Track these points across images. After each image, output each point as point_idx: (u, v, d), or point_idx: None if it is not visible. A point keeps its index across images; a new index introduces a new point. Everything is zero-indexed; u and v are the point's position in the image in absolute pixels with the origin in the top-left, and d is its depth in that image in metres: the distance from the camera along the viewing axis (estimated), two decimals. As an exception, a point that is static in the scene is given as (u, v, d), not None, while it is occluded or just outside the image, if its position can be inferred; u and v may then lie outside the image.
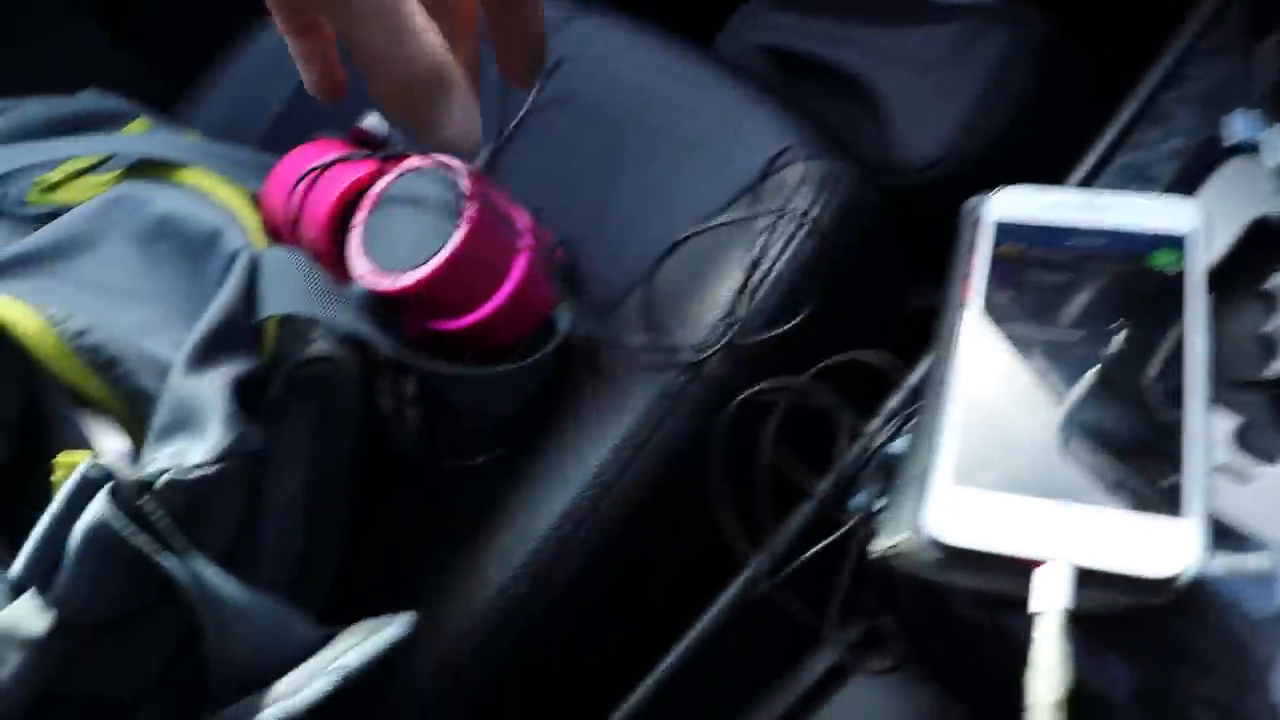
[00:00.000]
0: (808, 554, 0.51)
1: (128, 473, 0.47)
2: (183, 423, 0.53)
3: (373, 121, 0.69)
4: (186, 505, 0.50)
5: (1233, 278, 0.54)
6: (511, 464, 0.61)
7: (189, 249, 0.69)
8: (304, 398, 0.60)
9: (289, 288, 0.59)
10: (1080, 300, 0.50)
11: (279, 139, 0.78)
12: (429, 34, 0.37)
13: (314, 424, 0.60)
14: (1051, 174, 0.78)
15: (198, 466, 0.51)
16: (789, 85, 0.96)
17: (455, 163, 0.58)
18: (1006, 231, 0.53)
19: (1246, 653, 0.43)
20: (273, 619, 0.50)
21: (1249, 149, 0.56)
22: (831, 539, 0.51)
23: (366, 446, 0.62)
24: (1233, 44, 0.60)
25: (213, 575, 0.47)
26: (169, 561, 0.46)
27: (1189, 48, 0.61)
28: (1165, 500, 0.42)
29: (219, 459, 0.52)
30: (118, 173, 0.76)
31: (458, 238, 0.57)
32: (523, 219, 0.61)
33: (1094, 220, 0.52)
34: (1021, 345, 0.48)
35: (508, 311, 0.59)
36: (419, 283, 0.57)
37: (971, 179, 0.56)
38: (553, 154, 0.72)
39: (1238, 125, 0.57)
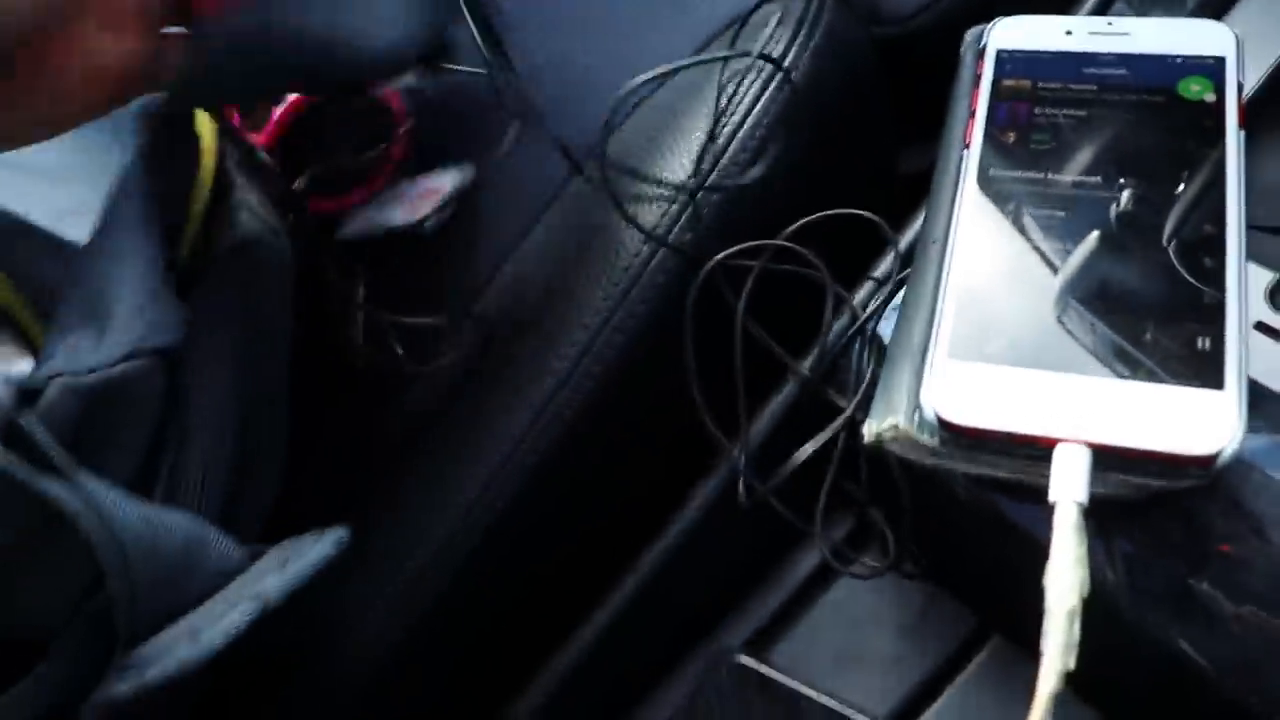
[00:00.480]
0: (796, 457, 0.45)
1: (2, 387, 0.41)
2: (85, 315, 0.47)
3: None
4: (82, 414, 0.44)
5: (1267, 113, 0.47)
6: (465, 363, 0.55)
7: (122, 122, 0.62)
8: (229, 287, 0.53)
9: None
10: (1098, 140, 0.43)
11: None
12: None
13: (242, 318, 0.54)
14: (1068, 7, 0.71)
15: (95, 368, 0.45)
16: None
17: None
18: (1013, 63, 0.46)
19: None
20: (186, 544, 0.44)
21: (1288, -39, 0.48)
22: (823, 436, 0.45)
23: (306, 349, 0.56)
24: None
25: (109, 499, 0.41)
26: (51, 487, 0.40)
27: None
28: (1199, 368, 0.36)
29: (124, 357, 0.46)
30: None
31: None
32: None
33: (1112, 46, 0.45)
34: (1031, 195, 0.42)
35: None
36: None
37: (964, 27, 0.49)
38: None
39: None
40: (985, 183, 0.42)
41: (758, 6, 0.56)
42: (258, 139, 0.60)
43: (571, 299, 0.51)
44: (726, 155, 0.51)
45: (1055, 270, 0.40)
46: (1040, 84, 0.45)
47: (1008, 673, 0.47)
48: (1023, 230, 0.41)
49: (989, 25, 0.48)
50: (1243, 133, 0.42)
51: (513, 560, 0.53)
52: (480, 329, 0.56)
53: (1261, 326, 0.42)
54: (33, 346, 0.51)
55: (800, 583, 0.51)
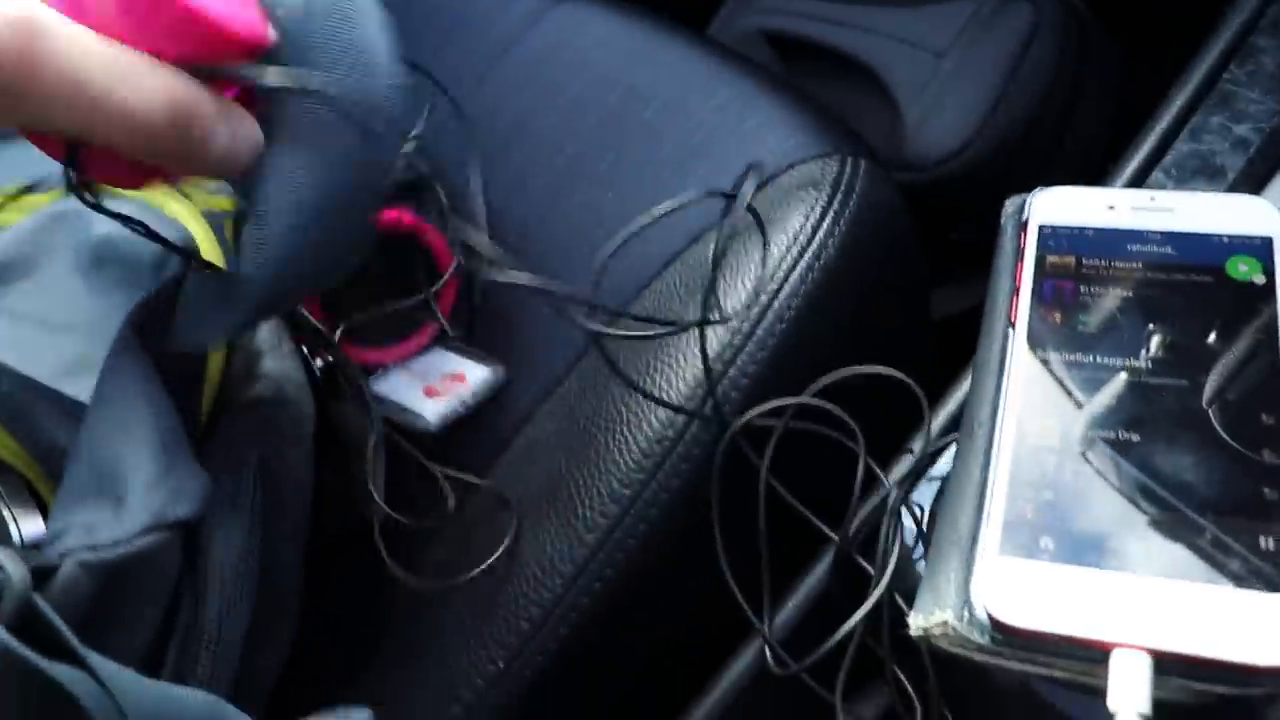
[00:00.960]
0: (830, 642, 0.43)
1: (15, 566, 0.40)
2: (97, 483, 0.45)
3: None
4: (97, 592, 0.42)
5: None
6: (487, 524, 0.53)
7: (134, 275, 0.62)
8: (246, 449, 0.52)
9: (205, 312, 0.52)
10: (1147, 321, 0.42)
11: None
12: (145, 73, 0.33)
13: (261, 474, 0.53)
14: (1083, 170, 0.71)
15: (115, 544, 0.43)
16: (791, 74, 0.88)
17: None
18: (1056, 239, 0.45)
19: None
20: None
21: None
22: (859, 615, 0.43)
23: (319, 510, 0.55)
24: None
25: (120, 680, 0.39)
26: (61, 671, 0.38)
27: (1255, 17, 0.53)
28: (1265, 571, 0.35)
29: (142, 531, 0.44)
30: (60, 191, 0.69)
31: None
32: None
33: (1157, 223, 0.45)
34: (1080, 379, 0.41)
35: None
36: None
37: (993, 174, 0.49)
38: (535, 160, 0.64)
39: (1314, 106, 0.49)
40: (1032, 363, 0.41)
41: (790, 168, 0.56)
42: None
43: (598, 469, 0.50)
44: (764, 322, 0.50)
45: (1111, 462, 0.38)
46: (1085, 260, 0.44)
47: None
48: (1074, 418, 0.40)
49: (1030, 196, 0.47)
50: (1295, 311, 0.41)
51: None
52: (500, 493, 0.54)
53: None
54: (41, 504, 0.49)
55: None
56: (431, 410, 0.56)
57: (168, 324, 0.51)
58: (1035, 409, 0.40)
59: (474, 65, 0.69)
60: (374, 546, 0.54)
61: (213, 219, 0.67)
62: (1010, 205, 0.48)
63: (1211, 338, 0.41)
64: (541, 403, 0.56)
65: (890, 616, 0.44)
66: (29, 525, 0.48)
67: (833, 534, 0.47)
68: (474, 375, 0.58)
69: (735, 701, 0.47)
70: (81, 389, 0.52)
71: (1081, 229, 0.45)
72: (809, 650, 0.45)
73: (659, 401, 0.49)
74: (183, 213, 0.66)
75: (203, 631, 0.49)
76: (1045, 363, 0.41)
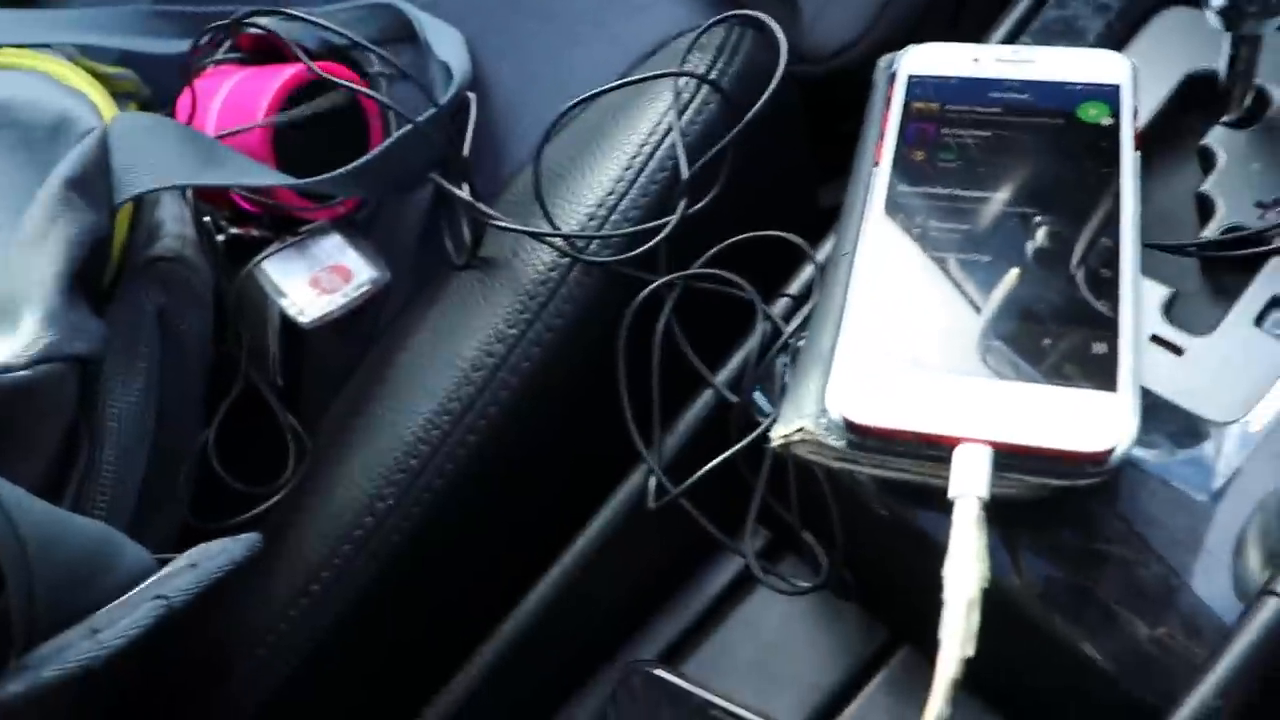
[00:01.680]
0: (710, 466, 0.46)
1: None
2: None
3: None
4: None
5: (1164, 137, 0.49)
6: (381, 359, 0.55)
7: (30, 137, 0.62)
8: (147, 299, 0.53)
9: (155, 158, 0.53)
10: (1000, 159, 0.44)
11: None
12: None
13: (160, 332, 0.54)
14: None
15: (6, 369, 0.44)
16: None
17: None
18: (922, 87, 0.48)
19: (1182, 537, 0.39)
20: (95, 546, 0.43)
21: (1185, -1, 0.51)
22: (741, 444, 0.45)
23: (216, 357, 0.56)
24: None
25: (12, 495, 0.40)
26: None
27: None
28: (1095, 372, 0.38)
29: (34, 361, 0.45)
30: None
31: None
32: None
33: (1017, 73, 0.47)
34: (936, 210, 0.43)
35: None
36: None
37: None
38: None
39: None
40: (893, 198, 0.44)
41: (680, 35, 0.58)
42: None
43: (488, 311, 0.51)
44: (645, 172, 0.52)
45: (959, 280, 0.41)
46: (948, 106, 0.46)
47: (917, 680, 0.47)
48: (928, 242, 0.42)
49: (901, 52, 0.49)
50: (1138, 154, 0.44)
51: (422, 573, 0.53)
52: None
53: (1157, 339, 0.44)
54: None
55: (716, 595, 0.51)
56: (310, 305, 0.57)
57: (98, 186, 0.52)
58: (892, 236, 0.43)
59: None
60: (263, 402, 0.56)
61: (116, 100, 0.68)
62: (883, 61, 0.50)
63: (1062, 173, 0.44)
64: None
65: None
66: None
67: (716, 380, 0.50)
68: (359, 274, 0.58)
69: (620, 531, 0.50)
70: None
71: (946, 78, 0.47)
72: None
73: (561, 238, 0.51)
74: (80, 81, 0.66)
75: (99, 472, 0.50)
76: (904, 195, 0.44)
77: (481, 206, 0.54)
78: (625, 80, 0.54)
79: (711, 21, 0.56)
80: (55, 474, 0.49)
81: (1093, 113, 0.45)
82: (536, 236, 0.52)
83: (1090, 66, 0.47)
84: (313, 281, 0.59)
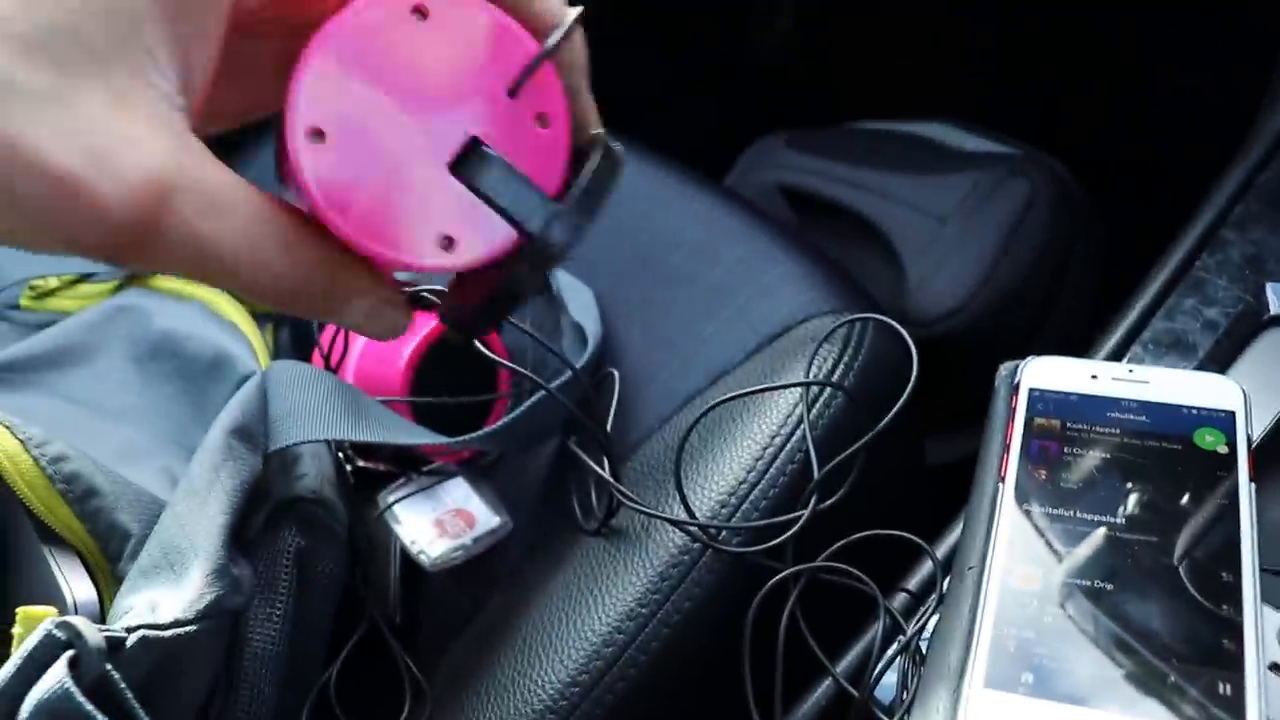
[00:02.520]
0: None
1: (93, 635, 0.43)
2: (164, 565, 0.49)
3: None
4: (157, 664, 0.46)
5: (1268, 460, 0.51)
6: (507, 614, 0.57)
7: (188, 370, 0.67)
8: (289, 541, 0.56)
9: (310, 408, 0.57)
10: (1122, 482, 0.47)
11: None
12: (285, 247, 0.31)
13: (297, 570, 0.57)
14: (1068, 335, 0.77)
15: (176, 624, 0.47)
16: (804, 228, 0.94)
17: None
18: (1044, 402, 0.50)
19: None
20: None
21: (1290, 321, 0.54)
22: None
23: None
24: (1271, 208, 0.58)
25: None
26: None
27: (1225, 210, 0.59)
28: (1221, 713, 0.39)
29: (202, 616, 0.48)
30: (117, 281, 0.74)
31: None
32: None
33: (1134, 394, 0.50)
34: (1061, 532, 0.45)
35: None
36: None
37: (986, 333, 0.54)
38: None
39: (1278, 294, 0.55)
40: (1019, 516, 0.46)
41: (804, 320, 0.61)
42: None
43: (620, 586, 0.54)
44: (776, 465, 0.55)
45: (1085, 609, 0.43)
46: (1069, 424, 0.49)
47: None
48: (1055, 567, 0.44)
49: (1022, 363, 0.52)
50: (1253, 484, 0.46)
51: None
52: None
53: (1276, 667, 0.45)
54: (90, 572, 0.53)
55: None
56: (432, 547, 0.60)
57: (257, 433, 0.56)
58: (1020, 557, 0.45)
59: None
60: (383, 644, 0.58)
61: (259, 321, 0.73)
62: (1004, 370, 0.53)
63: (1180, 500, 0.46)
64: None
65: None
66: (81, 592, 0.51)
67: (852, 689, 0.51)
68: (482, 521, 0.61)
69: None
70: (134, 474, 0.57)
71: (1067, 394, 0.50)
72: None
73: (698, 528, 0.54)
74: (234, 314, 0.71)
75: (234, 708, 0.52)
76: (1030, 515, 0.46)
77: (621, 489, 0.56)
78: (767, 386, 0.58)
79: (841, 323, 0.60)
80: (200, 710, 0.51)
81: (1209, 439, 0.47)
82: (676, 524, 0.55)
83: (1205, 391, 0.49)
84: (437, 524, 0.62)
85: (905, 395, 0.55)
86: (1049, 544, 0.45)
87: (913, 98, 1.06)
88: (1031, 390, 0.51)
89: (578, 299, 0.70)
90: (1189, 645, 0.41)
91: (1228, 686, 0.39)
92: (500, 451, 0.66)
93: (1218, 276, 0.57)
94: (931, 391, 0.69)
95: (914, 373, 0.56)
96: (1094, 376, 0.51)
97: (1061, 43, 1.14)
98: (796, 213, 0.95)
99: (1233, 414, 0.48)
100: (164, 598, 0.48)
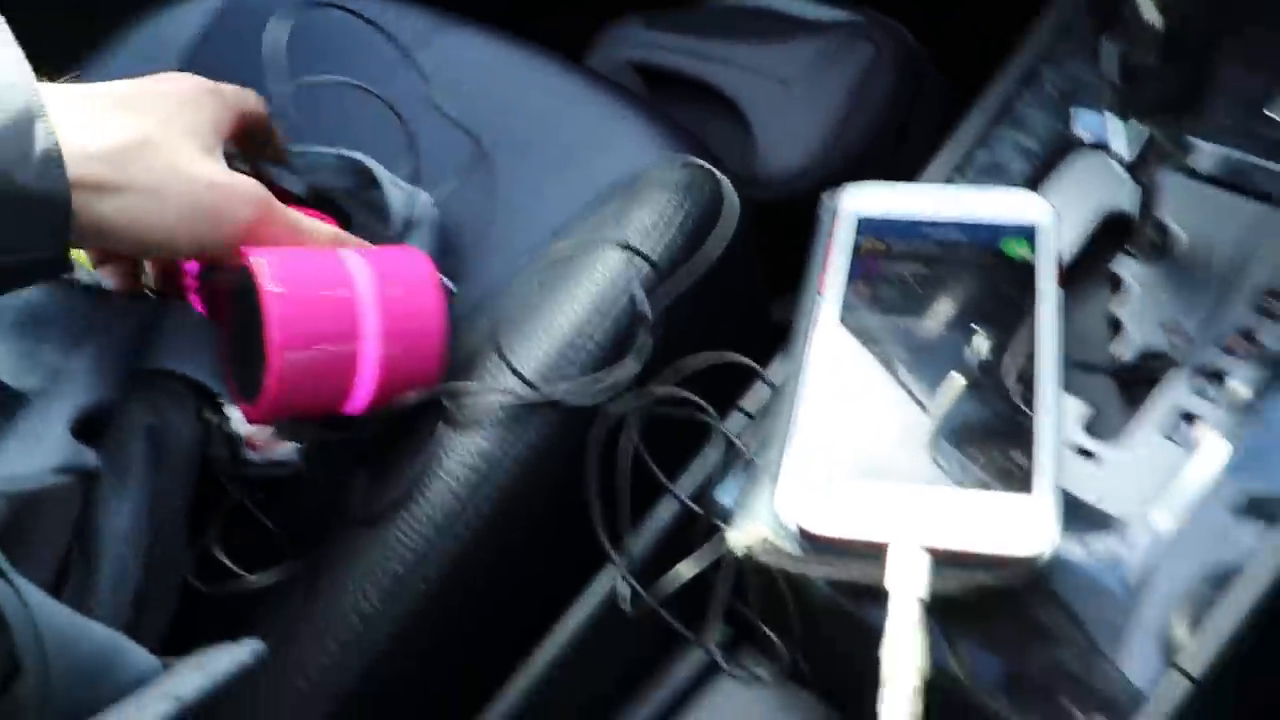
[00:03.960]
0: (681, 570, 0.50)
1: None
2: (19, 429, 0.50)
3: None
4: (13, 519, 0.47)
5: (1085, 267, 0.55)
6: (362, 486, 0.59)
7: None
8: (138, 418, 0.57)
9: (189, 347, 0.57)
10: (935, 291, 0.50)
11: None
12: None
13: (149, 451, 0.57)
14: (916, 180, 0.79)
15: (28, 478, 0.48)
16: (657, 100, 0.95)
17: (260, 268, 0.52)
18: (864, 225, 0.53)
19: (1099, 627, 0.43)
20: (105, 648, 0.46)
21: (1099, 145, 0.57)
22: (707, 552, 0.49)
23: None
24: (1082, 45, 0.61)
25: (35, 597, 0.44)
26: (-9, 587, 0.42)
27: (1041, 50, 0.62)
28: (1019, 481, 0.42)
29: (53, 470, 0.49)
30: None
31: (267, 388, 0.51)
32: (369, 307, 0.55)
33: (948, 213, 0.53)
34: (877, 336, 0.48)
35: (377, 403, 0.56)
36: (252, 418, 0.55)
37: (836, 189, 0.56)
38: (421, 167, 0.70)
39: (1087, 122, 0.58)
40: (836, 324, 0.49)
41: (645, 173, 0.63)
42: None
43: (471, 437, 0.56)
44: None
45: (896, 398, 0.46)
46: (887, 241, 0.52)
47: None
48: (867, 365, 0.47)
49: (842, 190, 0.55)
50: (1058, 286, 0.49)
51: (403, 678, 0.56)
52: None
53: (1078, 449, 0.48)
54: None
55: (682, 687, 0.55)
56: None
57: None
58: (835, 360, 0.48)
59: (365, 83, 0.75)
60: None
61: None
62: (826, 197, 0.55)
63: (990, 303, 0.49)
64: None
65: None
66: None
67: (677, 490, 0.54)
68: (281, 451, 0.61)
69: (589, 630, 0.53)
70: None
71: (884, 215, 0.53)
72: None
73: (527, 383, 0.56)
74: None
75: (95, 586, 0.53)
76: (845, 323, 0.49)
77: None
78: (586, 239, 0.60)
79: (677, 160, 0.62)
80: (56, 582, 0.52)
81: (1016, 248, 0.50)
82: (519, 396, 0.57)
83: (1013, 206, 0.52)
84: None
85: (714, 243, 0.57)
86: (863, 346, 0.48)
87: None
88: (853, 214, 0.53)
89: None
90: (991, 426, 0.44)
91: (1026, 456, 0.43)
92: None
93: (1034, 108, 0.60)
94: (782, 251, 0.72)
95: (737, 216, 0.58)
96: (911, 199, 0.54)
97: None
98: (650, 87, 0.97)
99: (1038, 224, 0.51)
100: (15, 454, 0.49)
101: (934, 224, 0.52)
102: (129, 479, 0.55)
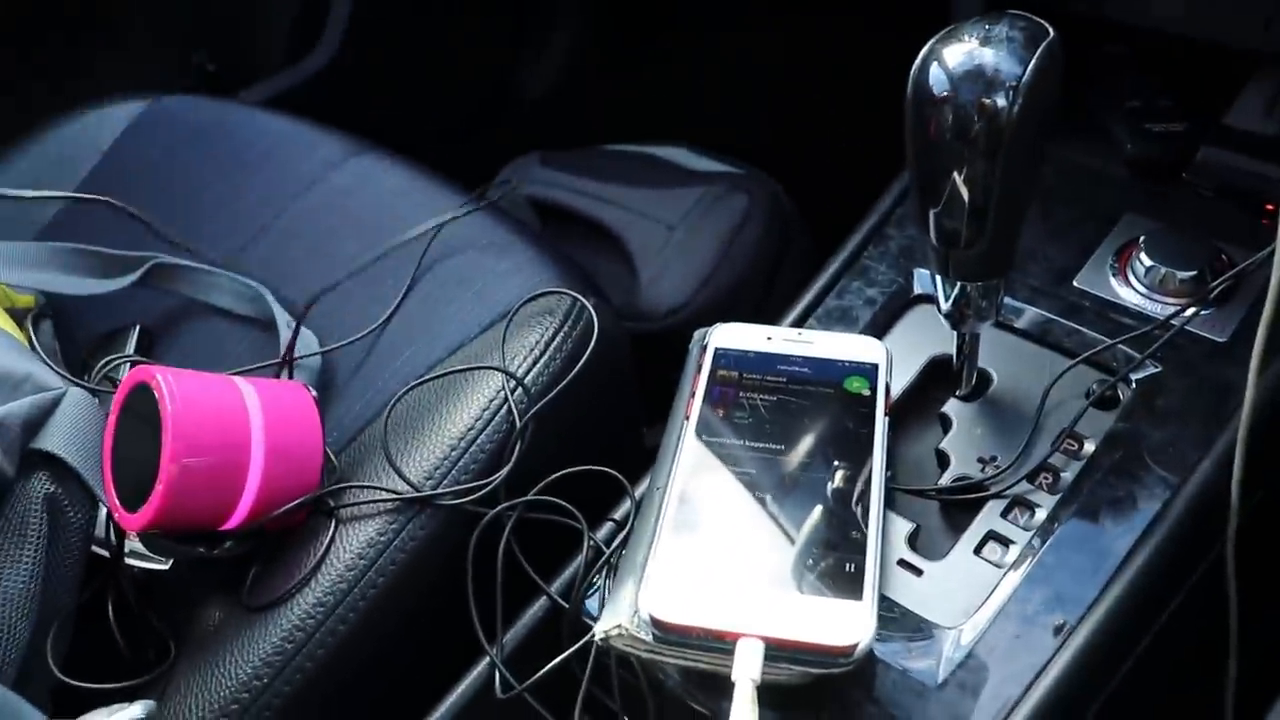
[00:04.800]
0: (550, 665, 0.54)
1: None
2: None
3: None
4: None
5: (916, 406, 0.62)
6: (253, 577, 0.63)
7: None
8: (38, 487, 0.59)
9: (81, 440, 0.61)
10: (784, 419, 0.56)
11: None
12: None
13: (47, 520, 0.59)
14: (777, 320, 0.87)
15: None
16: (553, 234, 1.03)
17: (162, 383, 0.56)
18: (726, 358, 0.60)
19: (913, 716, 0.49)
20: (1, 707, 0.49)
21: (931, 299, 0.65)
22: (575, 646, 0.54)
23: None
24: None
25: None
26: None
27: (888, 212, 0.71)
28: (846, 585, 0.49)
29: None
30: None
31: (156, 497, 0.55)
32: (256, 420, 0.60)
33: (800, 351, 0.60)
34: (731, 455, 0.55)
35: (258, 512, 0.60)
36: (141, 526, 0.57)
37: (709, 326, 0.63)
38: (327, 278, 0.76)
39: (921, 278, 0.67)
40: (698, 445, 0.55)
41: (531, 300, 0.70)
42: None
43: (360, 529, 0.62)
44: (491, 425, 0.65)
45: (746, 512, 0.52)
46: (745, 375, 0.59)
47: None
48: (723, 483, 0.53)
49: (711, 329, 0.62)
50: (888, 419, 0.56)
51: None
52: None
53: (903, 563, 0.55)
54: None
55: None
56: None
57: None
58: (696, 476, 0.54)
59: (279, 196, 0.81)
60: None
61: (15, 314, 0.76)
62: (696, 334, 0.62)
63: (830, 432, 0.56)
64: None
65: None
66: None
67: (562, 601, 0.59)
68: None
69: (461, 718, 0.58)
70: None
71: (745, 351, 0.60)
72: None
73: (411, 485, 0.62)
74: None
75: None
76: (706, 444, 0.55)
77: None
78: (453, 369, 0.68)
79: (545, 291, 0.70)
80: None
81: (856, 385, 0.58)
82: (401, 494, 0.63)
83: (856, 349, 0.60)
84: None
85: (580, 363, 0.64)
86: (721, 466, 0.54)
87: (655, 125, 1.17)
88: (717, 349, 0.60)
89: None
90: (828, 537, 0.51)
91: (853, 565, 0.49)
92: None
93: (879, 264, 0.69)
94: (658, 381, 0.78)
95: (595, 333, 0.66)
96: (769, 338, 0.61)
97: (781, 83, 1.30)
98: (545, 222, 1.04)
99: (876, 365, 0.59)
100: None
101: (786, 360, 0.59)
102: (26, 546, 0.58)
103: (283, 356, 0.70)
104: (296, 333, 0.72)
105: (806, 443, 0.55)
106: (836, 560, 0.50)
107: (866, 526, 0.51)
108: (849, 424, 0.56)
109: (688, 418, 0.57)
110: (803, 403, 0.57)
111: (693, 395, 0.58)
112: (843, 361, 0.59)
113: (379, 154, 0.85)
